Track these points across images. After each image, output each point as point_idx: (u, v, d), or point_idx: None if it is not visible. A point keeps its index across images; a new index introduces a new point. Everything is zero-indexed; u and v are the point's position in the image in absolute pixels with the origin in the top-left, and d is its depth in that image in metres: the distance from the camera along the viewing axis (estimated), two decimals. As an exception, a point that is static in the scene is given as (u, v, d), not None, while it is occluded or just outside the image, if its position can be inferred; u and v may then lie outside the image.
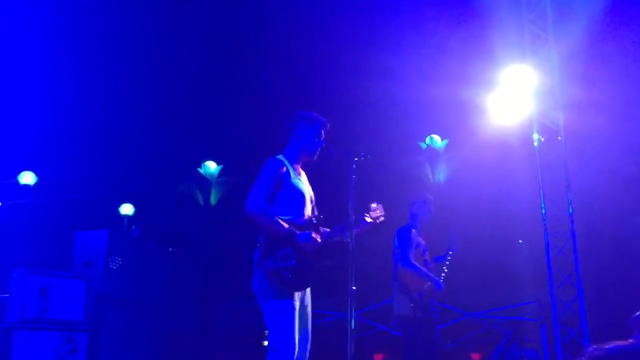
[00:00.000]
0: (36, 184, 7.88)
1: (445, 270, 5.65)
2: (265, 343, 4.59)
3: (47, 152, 7.95)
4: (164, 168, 8.22)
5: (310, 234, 3.97)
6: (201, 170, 9.36)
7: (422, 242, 5.75)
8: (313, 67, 7.13)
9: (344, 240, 4.16)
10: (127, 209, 8.73)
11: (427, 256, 5.76)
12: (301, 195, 4.11)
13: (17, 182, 7.79)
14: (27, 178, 7.89)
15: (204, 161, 9.40)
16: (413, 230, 5.67)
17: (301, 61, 7.20)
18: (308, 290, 4.12)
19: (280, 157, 4.16)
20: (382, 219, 4.36)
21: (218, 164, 9.42)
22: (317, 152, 4.23)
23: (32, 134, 7.43)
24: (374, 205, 4.33)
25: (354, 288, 4.11)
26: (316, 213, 4.20)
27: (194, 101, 7.73)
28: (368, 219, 4.30)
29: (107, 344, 5.94)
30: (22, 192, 7.48)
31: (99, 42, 7.15)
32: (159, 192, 8.25)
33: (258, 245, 3.99)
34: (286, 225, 3.94)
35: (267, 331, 4.15)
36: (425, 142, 8.92)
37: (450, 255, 5.71)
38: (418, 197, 5.86)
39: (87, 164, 8.02)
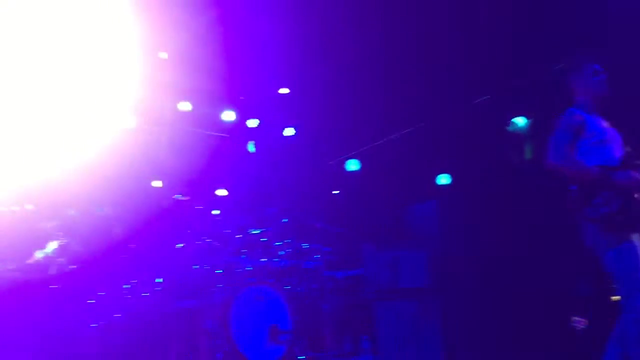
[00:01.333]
0: (360, 169, 8.67)
1: None
2: (614, 298, 4.38)
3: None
4: (472, 134, 8.16)
5: (629, 171, 3.79)
6: (510, 128, 9.14)
7: None
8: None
9: None
10: (444, 180, 9.00)
11: None
12: (605, 138, 3.98)
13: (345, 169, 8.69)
14: (352, 166, 8.73)
15: (514, 117, 9.09)
16: None
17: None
18: None
19: (574, 108, 4.09)
20: None
21: (527, 118, 9.04)
22: (604, 88, 4.15)
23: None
24: None
25: None
26: (628, 150, 4.00)
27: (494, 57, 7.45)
28: None
29: (456, 308, 6.17)
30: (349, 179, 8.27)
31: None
32: (473, 159, 8.24)
33: (570, 196, 3.89)
34: (596, 169, 3.80)
35: (615, 285, 3.87)
36: None
37: None
38: None
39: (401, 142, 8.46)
